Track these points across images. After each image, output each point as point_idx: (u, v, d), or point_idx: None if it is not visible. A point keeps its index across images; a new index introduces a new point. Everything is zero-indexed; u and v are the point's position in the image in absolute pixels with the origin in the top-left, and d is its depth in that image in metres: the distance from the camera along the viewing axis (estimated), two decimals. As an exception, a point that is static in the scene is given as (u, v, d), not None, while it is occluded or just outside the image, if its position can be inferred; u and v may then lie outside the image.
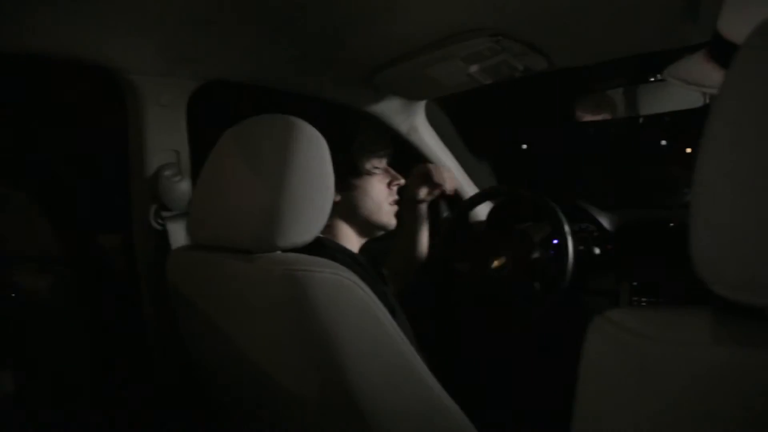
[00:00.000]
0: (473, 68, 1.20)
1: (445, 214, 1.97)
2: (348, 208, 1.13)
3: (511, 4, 0.97)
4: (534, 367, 1.67)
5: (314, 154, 0.78)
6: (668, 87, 1.17)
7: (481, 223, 1.89)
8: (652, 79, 1.22)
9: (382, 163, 1.18)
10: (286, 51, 1.20)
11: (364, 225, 1.17)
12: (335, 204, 0.92)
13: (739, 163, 0.35)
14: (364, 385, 0.71)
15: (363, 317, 0.72)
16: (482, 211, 1.89)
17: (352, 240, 1.16)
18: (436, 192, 1.44)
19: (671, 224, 1.59)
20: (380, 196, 1.17)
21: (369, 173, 1.14)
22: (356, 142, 1.12)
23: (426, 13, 1.02)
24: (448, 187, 1.43)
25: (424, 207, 1.49)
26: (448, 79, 1.29)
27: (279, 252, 0.77)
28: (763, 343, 0.34)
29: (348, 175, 1.12)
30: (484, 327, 1.72)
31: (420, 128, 1.75)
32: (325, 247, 1.02)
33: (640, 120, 1.26)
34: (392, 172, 1.21)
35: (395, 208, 1.21)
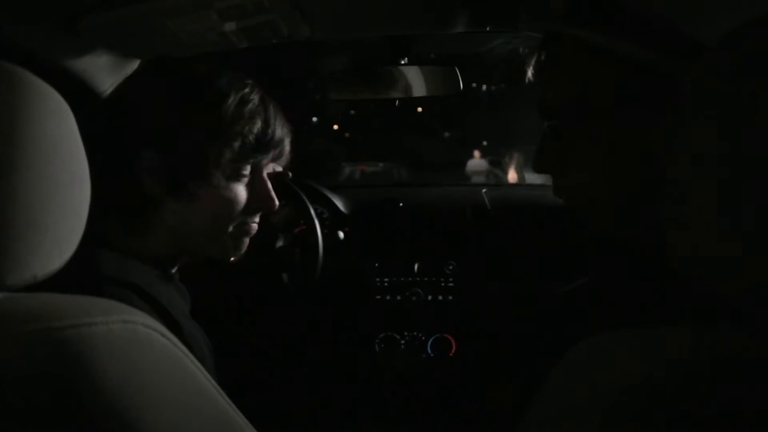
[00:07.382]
0: (229, 26, 0.98)
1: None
2: (172, 225, 0.78)
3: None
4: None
5: (61, 129, 0.48)
6: (426, 71, 1.18)
7: None
8: (403, 63, 1.21)
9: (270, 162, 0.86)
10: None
11: (177, 248, 0.81)
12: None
13: None
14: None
15: (171, 378, 0.48)
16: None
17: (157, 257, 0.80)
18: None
19: (401, 204, 1.68)
20: (224, 218, 0.80)
21: (236, 176, 0.79)
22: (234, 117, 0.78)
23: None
24: None
25: None
26: (192, 36, 1.03)
27: (3, 295, 0.45)
28: None
29: (192, 174, 0.76)
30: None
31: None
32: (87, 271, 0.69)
33: (396, 102, 1.24)
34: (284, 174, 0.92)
35: (244, 238, 0.86)
